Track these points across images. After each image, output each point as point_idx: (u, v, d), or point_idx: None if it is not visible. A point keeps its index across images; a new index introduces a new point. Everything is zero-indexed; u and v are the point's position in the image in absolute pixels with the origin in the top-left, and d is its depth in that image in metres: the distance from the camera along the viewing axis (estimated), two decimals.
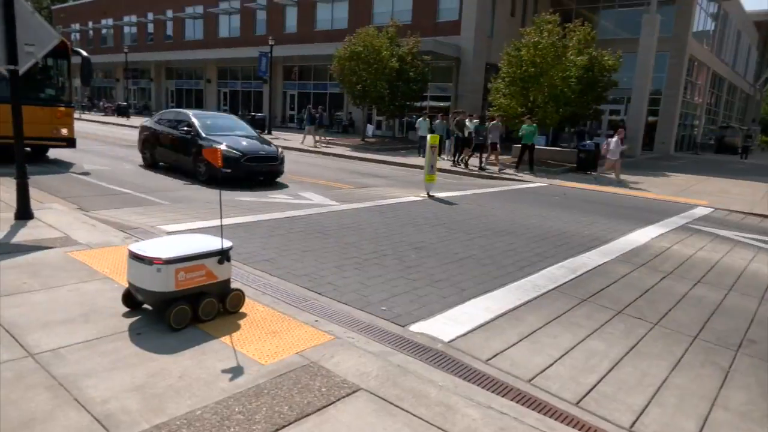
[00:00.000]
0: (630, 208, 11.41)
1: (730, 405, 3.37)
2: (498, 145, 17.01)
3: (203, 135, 11.62)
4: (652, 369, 3.79)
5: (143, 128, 13.72)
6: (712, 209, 12.09)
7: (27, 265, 4.70)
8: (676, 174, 16.84)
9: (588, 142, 20.53)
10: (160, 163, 13.08)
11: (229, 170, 10.72)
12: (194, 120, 12.17)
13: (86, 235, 5.82)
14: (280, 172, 12.16)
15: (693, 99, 36.04)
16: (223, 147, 10.80)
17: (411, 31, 25.29)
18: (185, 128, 11.98)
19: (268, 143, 12.78)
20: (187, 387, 2.92)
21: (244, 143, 11.69)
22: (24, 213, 6.24)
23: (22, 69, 5.91)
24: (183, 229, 6.57)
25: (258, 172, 11.60)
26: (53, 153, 13.70)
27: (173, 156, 12.51)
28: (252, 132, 13.19)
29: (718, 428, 3.11)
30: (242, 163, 11.06)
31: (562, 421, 3.00)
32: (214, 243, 3.89)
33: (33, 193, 7.29)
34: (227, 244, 3.89)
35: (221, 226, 4.20)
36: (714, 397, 3.45)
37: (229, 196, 9.63)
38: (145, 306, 3.89)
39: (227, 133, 12.12)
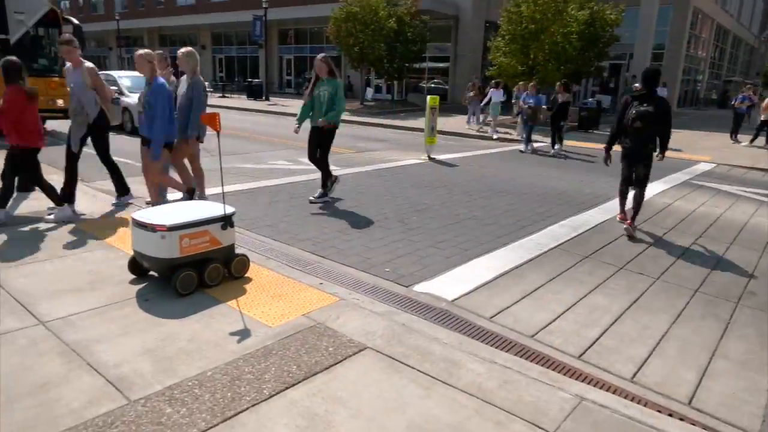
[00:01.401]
0: None
1: (730, 355, 3.44)
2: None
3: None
4: (654, 322, 3.85)
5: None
6: (715, 165, 12.03)
7: (32, 236, 4.73)
8: (678, 130, 16.66)
9: (590, 99, 20.30)
10: None
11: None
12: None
13: (88, 206, 5.84)
14: None
15: (696, 53, 35.37)
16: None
17: None
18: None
19: None
20: (197, 350, 2.98)
21: None
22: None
23: (14, 38, 5.80)
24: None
25: None
26: (50, 125, 13.58)
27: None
28: None
29: (718, 377, 3.17)
30: None
31: (564, 374, 3.07)
32: (216, 209, 3.90)
33: None
34: (230, 210, 3.90)
35: (222, 192, 4.20)
36: (714, 348, 3.51)
37: (228, 163, 9.60)
38: (152, 273, 3.94)
39: None
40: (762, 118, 15.51)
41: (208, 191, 6.73)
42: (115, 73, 15.24)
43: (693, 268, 5.02)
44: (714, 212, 7.33)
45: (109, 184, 7.28)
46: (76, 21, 11.70)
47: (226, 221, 3.86)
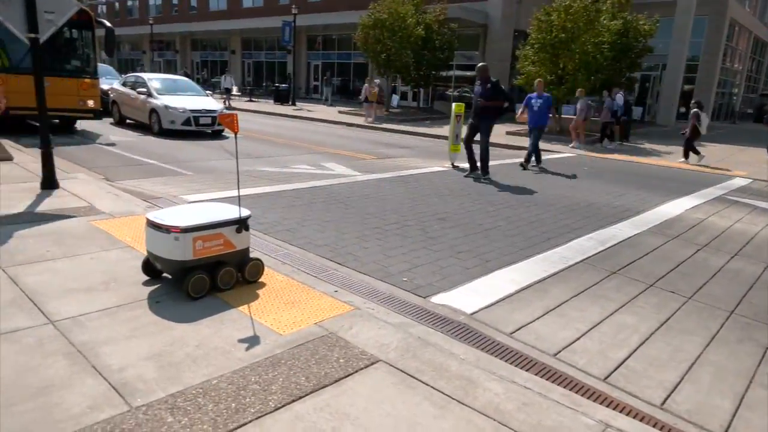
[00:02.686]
0: (663, 179, 11.00)
1: None
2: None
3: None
4: (686, 345, 3.63)
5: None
6: (751, 180, 11.58)
7: (51, 233, 4.74)
8: (713, 144, 16.17)
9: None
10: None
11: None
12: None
13: (110, 205, 5.85)
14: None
15: (732, 65, 34.41)
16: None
17: None
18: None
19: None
20: (204, 356, 2.89)
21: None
22: (49, 182, 6.29)
23: (43, 37, 5.87)
24: (205, 199, 6.55)
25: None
26: (80, 124, 13.86)
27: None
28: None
29: (756, 407, 2.95)
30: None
31: (588, 397, 2.88)
32: (232, 212, 3.82)
33: (59, 163, 7.38)
34: (245, 212, 3.82)
35: (239, 195, 4.13)
36: (752, 375, 3.28)
37: (251, 166, 9.60)
38: (165, 275, 3.88)
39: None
40: None
41: (225, 194, 6.71)
42: (145, 76, 15.49)
43: (728, 288, 4.75)
44: (751, 230, 6.99)
45: (131, 184, 7.34)
46: (109, 24, 11.93)
47: (241, 224, 3.78)
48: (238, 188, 4.11)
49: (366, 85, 22.09)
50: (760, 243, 6.38)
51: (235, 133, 3.56)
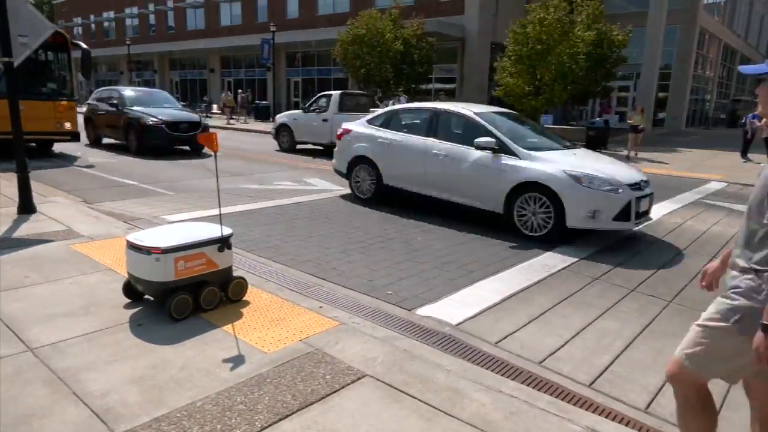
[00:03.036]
0: None
1: None
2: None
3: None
4: (668, 348, 3.66)
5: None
6: (726, 183, 11.84)
7: (29, 258, 4.66)
8: (688, 149, 16.53)
9: (597, 119, 20.22)
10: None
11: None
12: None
13: (89, 228, 5.77)
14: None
15: (704, 73, 35.32)
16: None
17: (415, 12, 24.90)
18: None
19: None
20: (188, 378, 2.86)
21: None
22: (26, 207, 6.20)
23: (17, 61, 5.82)
24: (186, 219, 6.51)
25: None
26: (58, 147, 13.69)
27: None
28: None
29: (738, 408, 2.99)
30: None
31: (574, 404, 2.91)
32: (214, 230, 3.80)
33: (37, 186, 7.27)
34: (227, 231, 3.81)
35: (220, 213, 4.11)
36: None
37: (233, 184, 9.56)
38: (147, 297, 3.83)
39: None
40: (764, 135, 15.40)
41: (207, 213, 6.67)
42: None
43: (707, 291, 4.82)
44: (728, 232, 7.14)
45: (111, 206, 7.25)
46: (84, 46, 11.81)
47: (223, 243, 3.76)
48: (219, 206, 4.09)
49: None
50: None
51: (215, 152, 3.56)
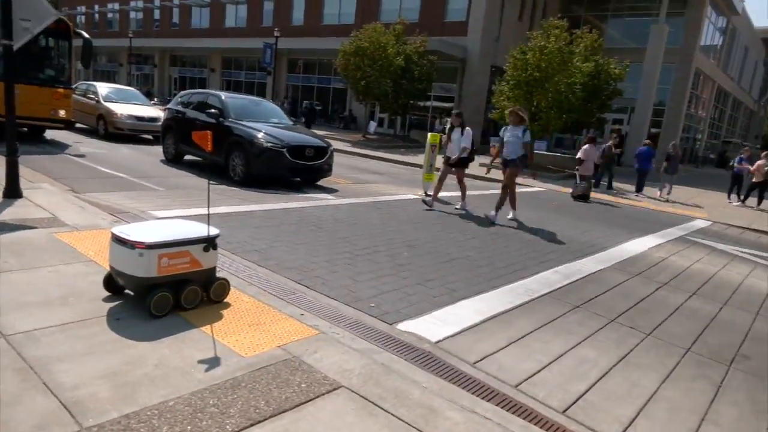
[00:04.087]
0: (628, 218, 11.33)
1: (721, 421, 3.29)
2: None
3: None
4: (643, 380, 3.70)
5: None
6: (711, 222, 12.01)
7: (10, 244, 4.60)
8: (676, 186, 16.77)
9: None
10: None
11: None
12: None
13: (74, 217, 5.72)
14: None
15: (697, 112, 35.94)
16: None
17: (418, 29, 25.18)
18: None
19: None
20: (162, 376, 2.83)
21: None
22: (12, 191, 6.13)
23: (17, 45, 5.79)
24: (173, 216, 6.46)
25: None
26: (50, 134, 13.58)
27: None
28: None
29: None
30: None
31: (547, 429, 2.92)
32: (200, 230, 3.79)
33: (25, 172, 7.20)
34: (214, 231, 3.79)
35: (208, 213, 4.10)
36: (704, 412, 3.36)
37: (224, 185, 9.52)
38: (127, 291, 3.79)
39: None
40: (753, 180, 15.72)
41: (195, 211, 6.64)
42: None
43: (685, 326, 4.89)
44: (709, 270, 7.24)
45: (98, 197, 7.19)
46: (87, 35, 11.80)
47: (209, 243, 3.75)
48: (208, 206, 4.07)
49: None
50: (717, 283, 6.60)
51: (209, 152, 3.55)
